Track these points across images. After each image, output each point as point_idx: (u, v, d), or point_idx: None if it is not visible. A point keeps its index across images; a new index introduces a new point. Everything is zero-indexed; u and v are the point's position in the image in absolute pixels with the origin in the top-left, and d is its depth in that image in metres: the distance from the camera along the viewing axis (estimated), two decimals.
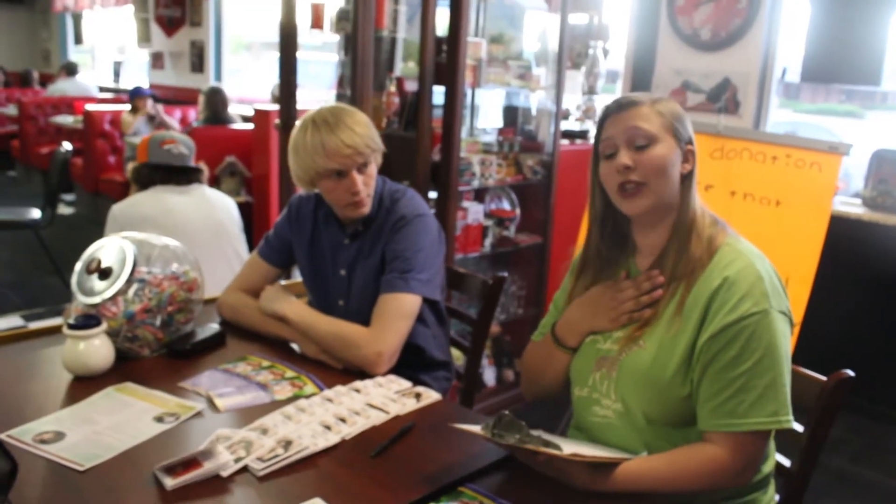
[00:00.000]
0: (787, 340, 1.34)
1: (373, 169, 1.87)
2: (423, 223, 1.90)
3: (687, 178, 1.43)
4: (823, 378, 1.49)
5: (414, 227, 1.87)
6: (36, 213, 5.01)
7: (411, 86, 3.15)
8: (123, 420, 1.44)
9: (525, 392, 1.68)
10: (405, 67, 3.39)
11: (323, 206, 1.98)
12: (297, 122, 1.86)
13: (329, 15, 3.35)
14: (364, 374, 1.70)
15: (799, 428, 1.52)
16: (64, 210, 7.27)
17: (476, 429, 1.31)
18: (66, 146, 5.09)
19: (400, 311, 1.78)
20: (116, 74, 9.82)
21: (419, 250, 1.84)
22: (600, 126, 1.46)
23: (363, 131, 1.81)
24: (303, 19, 3.34)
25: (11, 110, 8.79)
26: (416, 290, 1.80)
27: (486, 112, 3.79)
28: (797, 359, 2.07)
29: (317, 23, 3.30)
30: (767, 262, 1.39)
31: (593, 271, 1.54)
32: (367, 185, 1.85)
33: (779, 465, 1.55)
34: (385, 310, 1.78)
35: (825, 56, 3.46)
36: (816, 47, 3.48)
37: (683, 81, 3.98)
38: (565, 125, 3.91)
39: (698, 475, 1.31)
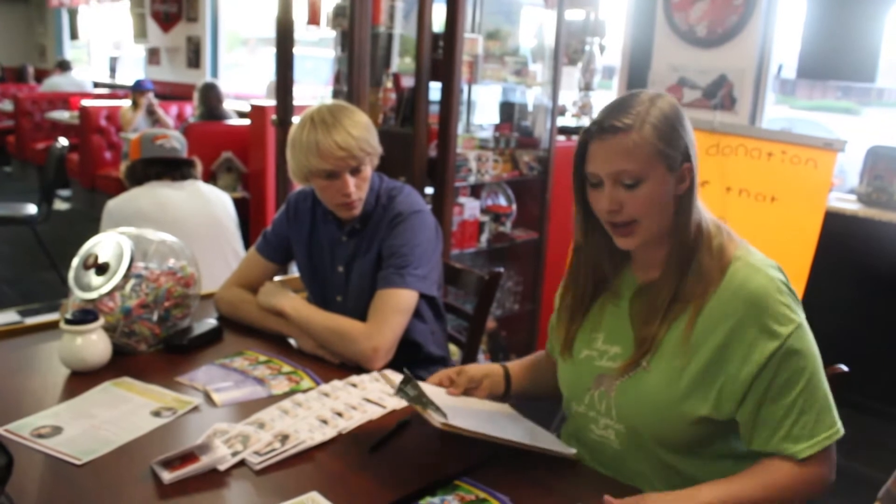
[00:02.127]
0: (815, 344, 1.31)
1: (367, 172, 1.87)
2: (420, 219, 1.90)
3: (685, 197, 1.31)
4: None
5: (410, 224, 1.88)
6: (32, 209, 5.00)
7: (408, 82, 3.15)
8: (121, 414, 1.44)
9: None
10: (402, 63, 3.39)
11: (321, 202, 1.98)
12: (299, 118, 1.87)
13: (326, 11, 3.35)
14: (361, 369, 1.71)
15: None
16: (60, 206, 7.26)
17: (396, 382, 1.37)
18: (62, 142, 5.09)
19: (396, 306, 1.78)
20: (112, 70, 9.81)
21: (416, 246, 1.85)
22: (582, 148, 1.32)
23: (360, 134, 1.80)
24: (299, 15, 3.35)
25: (7, 106, 8.78)
26: (412, 285, 1.81)
27: (482, 108, 3.79)
28: None
29: (313, 19, 3.30)
30: (776, 267, 1.33)
31: (584, 293, 1.46)
32: (359, 188, 1.85)
33: None
34: (381, 305, 1.78)
35: (821, 52, 3.47)
36: (812, 44, 3.49)
37: (679, 78, 3.98)
38: (562, 121, 3.92)
39: (790, 488, 1.27)
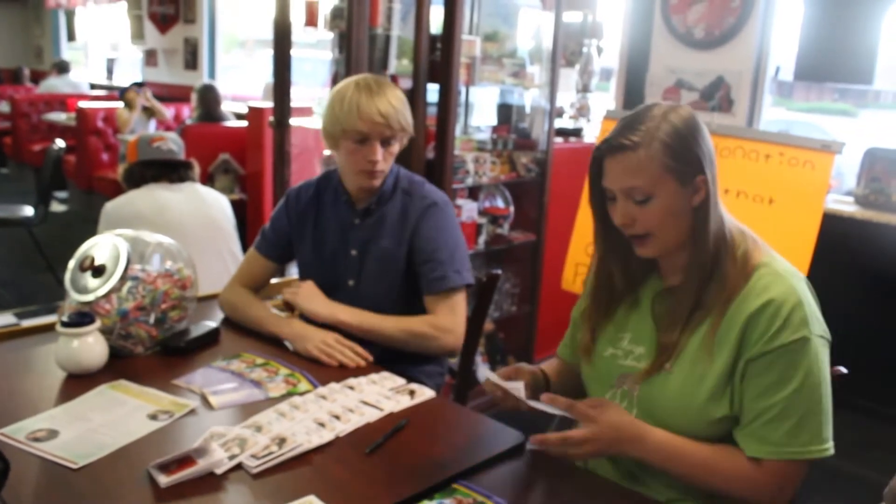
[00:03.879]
0: (825, 365, 1.31)
1: (395, 148, 1.91)
2: (451, 210, 1.98)
3: (701, 208, 1.33)
4: None
5: (448, 216, 1.95)
6: (29, 211, 4.99)
7: (405, 83, 3.15)
8: (117, 418, 1.43)
9: None
10: (399, 65, 3.38)
11: (328, 189, 2.01)
12: (341, 83, 1.91)
13: (323, 12, 3.34)
14: (358, 371, 1.70)
15: None
16: (57, 207, 7.24)
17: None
18: (59, 143, 5.08)
19: (459, 300, 1.90)
20: (110, 72, 9.79)
21: (458, 239, 1.95)
22: (597, 164, 1.37)
23: (399, 107, 1.86)
24: (297, 17, 3.34)
25: (4, 107, 8.75)
26: (466, 280, 1.91)
27: (480, 110, 3.79)
28: None
29: (311, 20, 3.29)
30: (803, 280, 1.35)
31: (610, 299, 1.48)
32: (385, 160, 1.88)
33: None
34: (448, 301, 1.88)
35: (818, 55, 3.47)
36: (810, 46, 3.49)
37: (677, 80, 3.99)
38: (559, 123, 3.91)
39: (734, 478, 1.30)
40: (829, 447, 1.29)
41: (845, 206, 3.55)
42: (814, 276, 2.76)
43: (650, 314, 1.44)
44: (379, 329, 1.85)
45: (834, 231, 3.16)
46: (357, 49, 2.92)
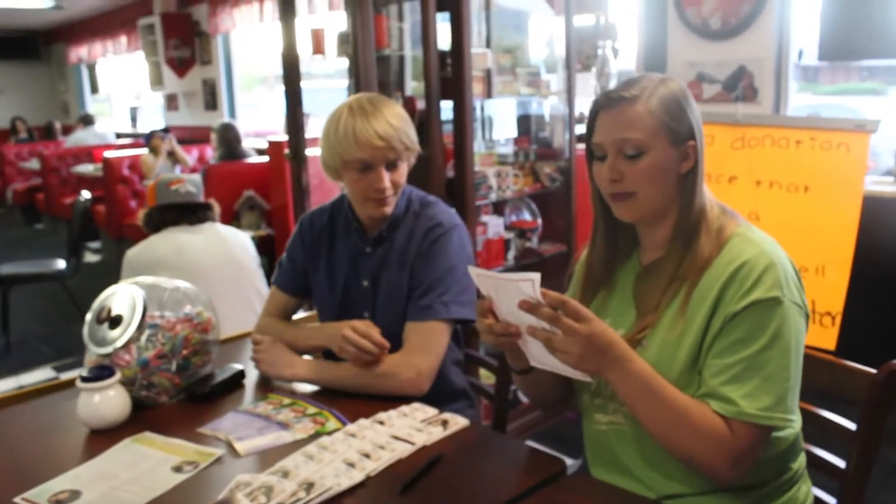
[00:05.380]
0: (798, 334, 1.26)
1: (403, 169, 1.78)
2: (459, 235, 1.81)
3: (688, 176, 1.34)
4: (873, 371, 1.39)
5: (450, 241, 1.78)
6: (61, 264, 5.03)
7: (422, 103, 3.10)
8: (141, 473, 1.38)
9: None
10: (417, 86, 3.34)
11: (340, 215, 1.91)
12: (335, 108, 1.78)
13: (332, 40, 3.32)
14: (388, 404, 1.62)
15: (851, 426, 1.43)
16: (90, 258, 7.32)
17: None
18: (86, 195, 5.12)
19: (433, 334, 1.71)
20: (133, 119, 9.96)
21: (454, 267, 1.76)
22: (591, 121, 1.38)
23: (400, 125, 1.72)
24: (304, 47, 3.32)
25: (34, 164, 8.92)
26: (453, 314, 1.73)
27: (499, 123, 3.73)
28: (839, 350, 1.96)
29: (318, 48, 3.27)
30: (782, 251, 1.31)
31: (599, 277, 1.47)
32: (394, 184, 1.76)
33: (832, 467, 1.45)
34: (417, 333, 1.72)
35: (843, 33, 3.35)
36: (833, 24, 3.38)
37: (698, 73, 3.89)
38: (580, 129, 3.84)
39: (705, 432, 1.22)
40: (794, 420, 1.24)
41: (886, 186, 3.42)
42: (857, 264, 2.66)
43: (631, 295, 1.42)
44: (338, 378, 1.70)
45: (876, 214, 3.03)
46: (365, 73, 2.88)
